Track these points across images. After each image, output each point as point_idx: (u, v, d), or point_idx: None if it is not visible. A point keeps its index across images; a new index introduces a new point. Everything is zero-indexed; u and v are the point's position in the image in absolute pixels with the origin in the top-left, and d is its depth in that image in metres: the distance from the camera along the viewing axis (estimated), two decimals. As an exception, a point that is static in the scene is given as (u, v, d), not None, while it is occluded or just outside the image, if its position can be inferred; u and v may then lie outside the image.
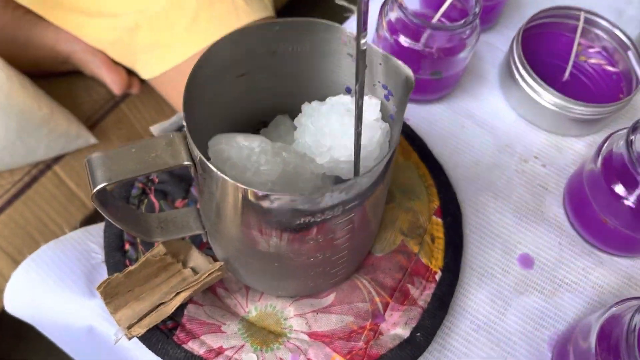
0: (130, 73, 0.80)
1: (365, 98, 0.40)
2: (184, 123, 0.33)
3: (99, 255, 0.49)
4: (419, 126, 0.57)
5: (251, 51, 0.39)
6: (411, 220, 0.50)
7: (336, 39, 0.38)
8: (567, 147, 0.57)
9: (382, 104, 0.40)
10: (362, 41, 0.32)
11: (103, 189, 0.33)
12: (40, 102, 0.72)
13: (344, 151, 0.40)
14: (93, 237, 0.50)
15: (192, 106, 0.36)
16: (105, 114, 0.83)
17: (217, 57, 0.37)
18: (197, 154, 0.33)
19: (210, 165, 0.32)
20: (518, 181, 0.55)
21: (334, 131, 0.40)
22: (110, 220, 0.37)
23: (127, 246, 0.47)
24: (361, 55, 0.33)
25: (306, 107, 0.42)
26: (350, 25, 0.65)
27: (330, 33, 0.38)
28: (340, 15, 0.70)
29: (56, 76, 0.80)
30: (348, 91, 0.43)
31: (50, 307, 0.48)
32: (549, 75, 0.59)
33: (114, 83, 0.77)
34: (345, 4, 0.70)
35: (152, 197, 0.49)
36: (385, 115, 0.41)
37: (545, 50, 0.61)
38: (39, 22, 0.75)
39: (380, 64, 0.37)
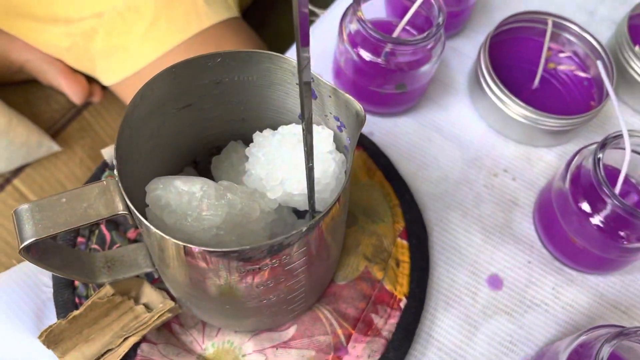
0: (91, 80, 0.77)
1: (318, 129, 0.38)
2: (116, 172, 0.31)
3: (50, 289, 0.47)
4: (384, 141, 0.55)
5: (194, 82, 0.36)
6: (375, 244, 0.48)
7: (282, 69, 0.36)
8: (537, 159, 0.55)
9: (335, 135, 0.38)
10: (305, 62, 0.29)
11: (32, 244, 0.31)
12: (-5, 113, 0.68)
13: (296, 185, 0.38)
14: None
15: (129, 147, 0.34)
16: (67, 123, 0.79)
17: (155, 93, 0.35)
18: (130, 205, 0.31)
19: (144, 220, 0.30)
20: (487, 197, 0.53)
21: (286, 163, 0.38)
22: (49, 271, 0.35)
23: (77, 282, 0.45)
24: (306, 89, 0.31)
25: (257, 137, 0.40)
26: (315, 32, 0.62)
27: (275, 63, 0.36)
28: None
29: (11, 85, 0.77)
30: (301, 119, 0.40)
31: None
32: (519, 81, 0.57)
33: (74, 93, 0.74)
34: (310, 7, 0.67)
35: (103, 228, 0.47)
36: (339, 146, 0.38)
37: (515, 56, 0.59)
38: (-11, 31, 0.72)
39: (330, 97, 0.35)
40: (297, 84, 0.37)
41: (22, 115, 0.73)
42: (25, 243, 0.31)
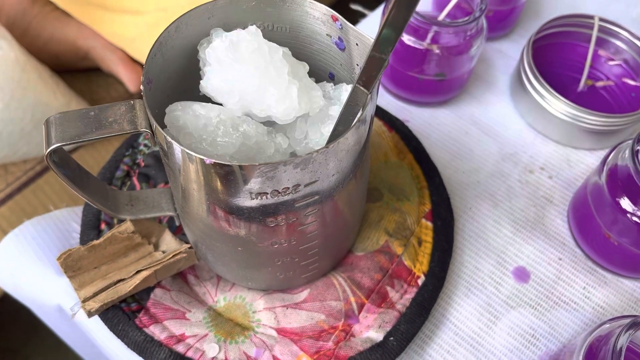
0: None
1: (345, 86, 0.38)
2: (142, 87, 0.32)
3: (79, 235, 0.49)
4: (419, 129, 0.55)
5: (228, 27, 0.38)
6: (398, 221, 0.47)
7: (313, 18, 0.37)
8: (577, 161, 0.54)
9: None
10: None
11: (57, 149, 0.33)
12: (57, 91, 0.73)
13: (319, 139, 0.38)
14: (77, 217, 0.50)
15: (158, 78, 0.36)
16: (123, 112, 0.83)
17: (189, 30, 0.36)
18: (152, 120, 0.32)
19: (161, 131, 0.31)
20: (520, 191, 0.52)
21: (312, 118, 0.39)
22: (68, 186, 0.36)
23: (103, 226, 0.46)
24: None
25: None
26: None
27: (306, 10, 0.37)
28: (354, 20, 0.69)
29: (76, 72, 0.82)
30: (331, 77, 0.41)
31: (26, 282, 0.48)
32: (562, 86, 0.56)
33: (130, 80, 0.78)
34: (360, 8, 0.69)
35: (135, 180, 0.49)
36: (364, 101, 0.39)
37: (559, 61, 0.58)
38: (63, 18, 0.77)
39: (357, 45, 0.36)
40: (327, 34, 0.38)
41: (82, 98, 0.77)
42: (52, 147, 0.32)
